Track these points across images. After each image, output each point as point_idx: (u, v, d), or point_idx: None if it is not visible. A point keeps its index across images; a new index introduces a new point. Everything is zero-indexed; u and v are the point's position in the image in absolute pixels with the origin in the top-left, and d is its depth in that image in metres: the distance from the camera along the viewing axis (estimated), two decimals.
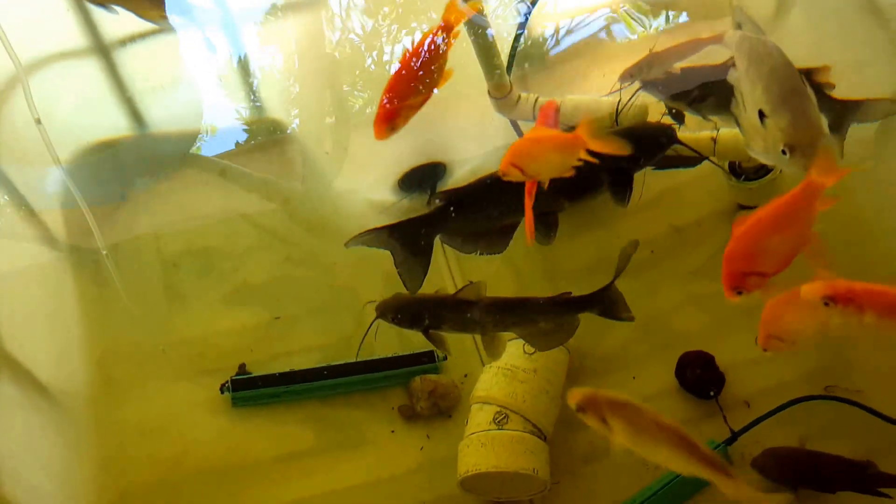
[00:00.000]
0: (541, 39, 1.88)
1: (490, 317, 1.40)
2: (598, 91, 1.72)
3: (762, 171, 1.60)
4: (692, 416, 1.56)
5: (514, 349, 1.58)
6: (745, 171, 1.63)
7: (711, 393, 1.56)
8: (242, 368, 1.72)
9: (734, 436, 1.50)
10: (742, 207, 1.68)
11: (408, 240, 1.44)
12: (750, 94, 1.16)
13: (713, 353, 1.59)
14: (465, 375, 1.66)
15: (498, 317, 1.41)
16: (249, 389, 1.69)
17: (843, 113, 1.46)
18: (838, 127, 1.46)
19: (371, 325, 1.45)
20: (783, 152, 1.08)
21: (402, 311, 1.43)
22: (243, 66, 1.92)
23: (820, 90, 1.42)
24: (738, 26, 1.34)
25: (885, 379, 1.54)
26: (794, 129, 1.09)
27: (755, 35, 1.25)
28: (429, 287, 1.47)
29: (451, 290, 1.48)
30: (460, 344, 1.66)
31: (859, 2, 1.67)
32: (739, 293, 1.19)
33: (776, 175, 1.60)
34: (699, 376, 1.57)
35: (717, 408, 1.54)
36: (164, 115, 1.90)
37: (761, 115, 1.12)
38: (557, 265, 1.77)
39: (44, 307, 1.78)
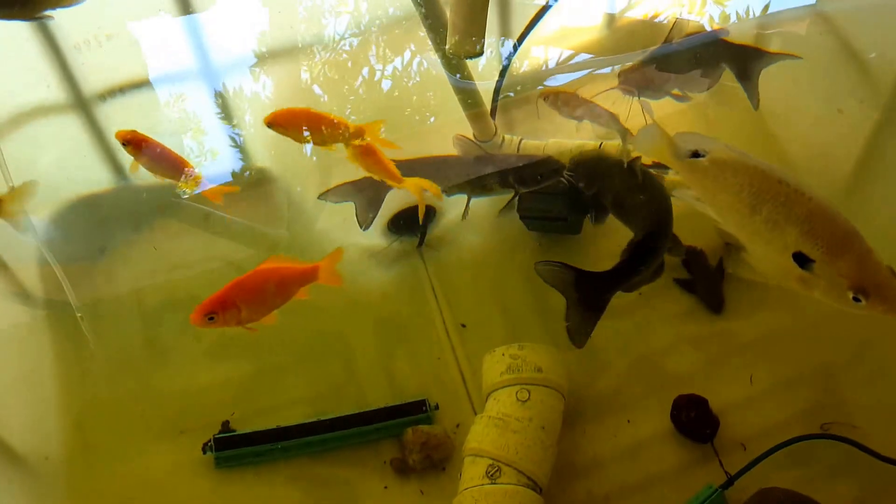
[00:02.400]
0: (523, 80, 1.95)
1: None
2: (580, 131, 1.81)
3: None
4: (689, 459, 1.59)
5: (507, 397, 1.61)
6: None
7: (707, 432, 1.60)
8: (226, 426, 1.72)
9: (730, 480, 1.53)
10: (730, 245, 1.74)
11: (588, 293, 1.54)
12: (767, 236, 1.12)
13: (707, 393, 1.63)
14: (458, 425, 1.69)
15: None
16: (233, 448, 1.67)
17: (747, 59, 1.57)
18: (748, 74, 1.56)
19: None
20: (856, 299, 1.04)
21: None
22: (226, 115, 1.98)
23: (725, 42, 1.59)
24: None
25: (880, 414, 1.59)
26: (865, 271, 1.04)
27: (749, 160, 1.20)
28: None
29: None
30: (452, 393, 1.72)
31: (834, 46, 1.76)
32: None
33: None
34: (694, 419, 1.60)
35: (713, 451, 1.58)
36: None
37: (803, 259, 1.08)
38: (549, 303, 1.80)
39: (16, 368, 1.80)
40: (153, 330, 1.86)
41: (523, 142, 1.73)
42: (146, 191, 1.95)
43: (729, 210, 1.18)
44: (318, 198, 1.65)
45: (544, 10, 1.79)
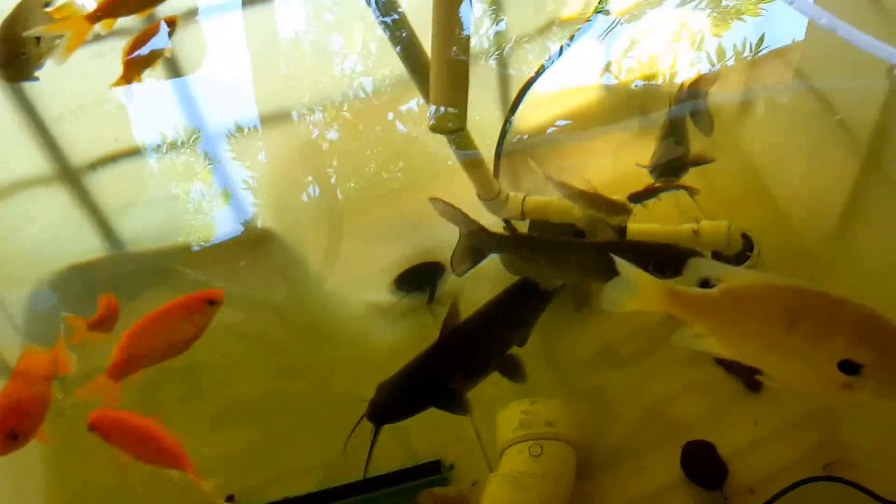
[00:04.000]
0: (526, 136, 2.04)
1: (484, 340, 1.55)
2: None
3: (742, 257, 1.78)
4: None
5: (520, 454, 1.67)
6: (726, 259, 1.79)
7: (717, 478, 1.66)
8: (231, 500, 1.73)
9: None
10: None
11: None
12: (807, 353, 1.12)
13: (714, 438, 1.71)
14: (474, 483, 1.74)
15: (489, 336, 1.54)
16: None
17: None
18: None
19: (373, 440, 1.54)
20: None
21: (391, 407, 1.52)
22: (224, 177, 2.01)
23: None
24: None
25: (881, 455, 1.66)
26: None
27: (769, 278, 1.19)
28: None
29: None
30: (468, 450, 1.77)
31: (812, 105, 1.89)
32: None
33: (756, 261, 1.78)
34: (703, 466, 1.68)
35: (723, 498, 1.66)
36: (137, 233, 1.96)
37: (850, 366, 1.10)
38: (561, 354, 1.90)
39: None
40: (150, 401, 1.87)
41: (527, 198, 1.81)
42: (141, 259, 1.98)
43: (755, 337, 1.17)
44: (429, 199, 1.64)
45: (538, 74, 1.88)
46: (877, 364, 1.10)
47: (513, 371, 1.60)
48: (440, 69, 1.61)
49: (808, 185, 1.85)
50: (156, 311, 1.61)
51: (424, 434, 1.81)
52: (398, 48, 1.76)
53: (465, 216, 1.62)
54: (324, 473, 1.75)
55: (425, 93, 1.73)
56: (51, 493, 1.75)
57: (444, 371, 1.52)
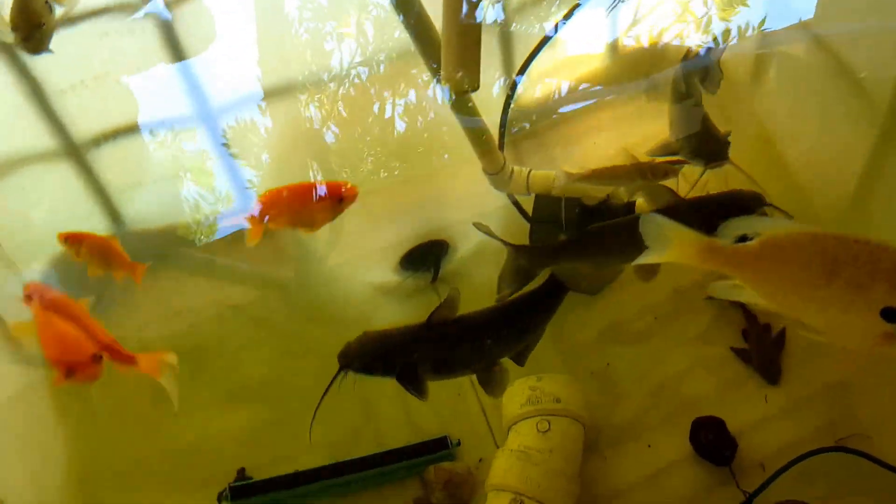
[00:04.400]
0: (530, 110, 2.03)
1: (469, 343, 1.48)
2: (588, 159, 1.88)
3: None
4: (710, 482, 1.68)
5: (527, 429, 1.69)
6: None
7: (726, 454, 1.67)
8: (242, 474, 1.76)
9: (749, 499, 1.61)
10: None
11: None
12: (848, 300, 1.10)
13: (723, 415, 1.72)
14: (480, 460, 1.76)
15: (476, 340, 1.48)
16: (250, 497, 1.70)
17: None
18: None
19: (335, 377, 1.51)
20: None
21: (364, 357, 1.49)
22: (226, 155, 2.01)
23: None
24: None
25: (893, 427, 1.66)
26: None
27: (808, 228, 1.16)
28: None
29: None
30: (473, 427, 1.79)
31: (829, 64, 1.86)
32: None
33: None
34: (712, 442, 1.69)
35: (734, 473, 1.66)
36: (143, 212, 1.97)
37: (893, 315, 1.09)
38: (566, 335, 1.90)
39: (16, 426, 1.82)
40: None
41: (532, 172, 1.80)
42: (146, 237, 1.98)
43: (795, 287, 1.16)
44: (474, 224, 1.63)
45: (544, 41, 1.86)
46: None
47: (489, 383, 1.54)
48: (452, 29, 1.61)
49: (821, 150, 1.83)
50: (298, 184, 1.73)
51: (431, 411, 1.82)
52: (404, 16, 1.74)
53: (507, 242, 1.60)
54: (331, 451, 1.76)
55: (432, 62, 1.73)
56: (70, 470, 1.78)
57: (419, 353, 1.51)
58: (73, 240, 1.78)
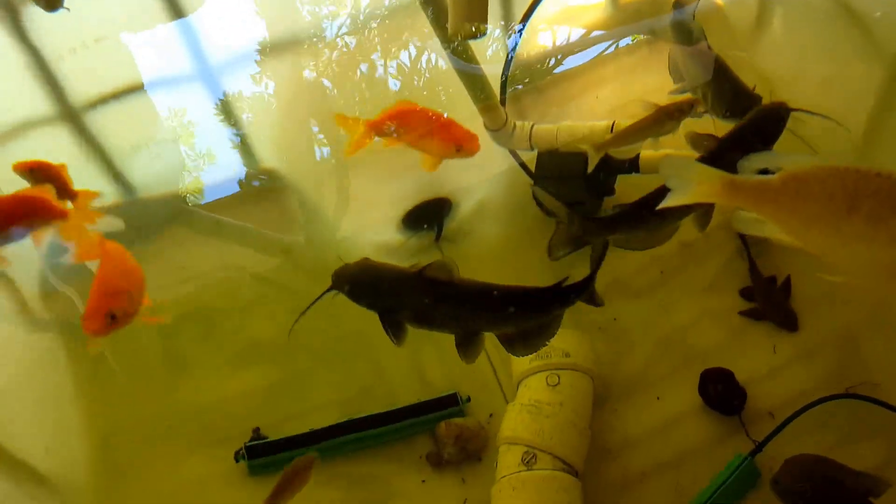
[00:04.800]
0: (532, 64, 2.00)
1: (458, 310, 1.43)
2: (591, 114, 1.87)
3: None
4: (720, 432, 1.69)
5: (537, 383, 1.70)
6: None
7: (735, 403, 1.69)
8: (257, 433, 1.78)
9: (758, 447, 1.63)
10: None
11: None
12: (871, 234, 1.09)
13: (732, 366, 1.73)
14: (491, 415, 1.78)
15: (467, 311, 1.43)
16: (266, 455, 1.73)
17: None
18: None
19: (323, 294, 1.50)
20: None
21: (355, 283, 1.47)
22: (229, 117, 2.00)
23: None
24: None
25: None
26: None
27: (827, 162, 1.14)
28: None
29: None
30: (482, 383, 1.81)
31: (834, 9, 1.83)
32: None
33: None
34: (721, 392, 1.70)
35: (743, 423, 1.68)
36: (148, 176, 1.98)
37: None
38: None
39: (35, 391, 1.84)
40: (171, 343, 1.91)
41: (535, 127, 1.79)
42: (152, 202, 1.99)
43: (816, 221, 1.14)
44: (532, 189, 1.70)
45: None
46: None
47: (462, 347, 1.47)
48: None
49: (828, 96, 1.81)
50: (420, 109, 1.67)
51: (441, 368, 1.83)
52: None
53: (564, 206, 1.55)
54: (343, 409, 1.78)
55: (436, 12, 1.70)
56: (90, 432, 1.79)
57: (406, 298, 1.47)
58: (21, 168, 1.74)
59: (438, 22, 1.80)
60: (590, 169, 1.68)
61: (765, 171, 1.17)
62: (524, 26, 1.88)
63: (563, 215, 1.51)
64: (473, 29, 1.69)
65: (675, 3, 1.76)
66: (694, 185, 1.20)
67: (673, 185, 1.22)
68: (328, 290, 1.48)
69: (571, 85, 2.05)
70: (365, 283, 1.47)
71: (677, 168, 1.22)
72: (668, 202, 1.22)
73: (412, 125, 1.63)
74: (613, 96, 1.97)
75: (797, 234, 1.17)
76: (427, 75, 2.01)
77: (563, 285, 1.42)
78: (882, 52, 1.81)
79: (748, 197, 1.19)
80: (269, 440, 1.75)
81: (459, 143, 1.62)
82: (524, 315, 1.41)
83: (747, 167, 1.19)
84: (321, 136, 2.02)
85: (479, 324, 1.42)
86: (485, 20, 1.69)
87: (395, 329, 1.44)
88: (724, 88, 1.72)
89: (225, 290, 1.93)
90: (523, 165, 1.91)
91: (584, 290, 1.44)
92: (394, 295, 1.45)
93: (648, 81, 1.94)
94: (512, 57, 1.86)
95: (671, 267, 1.85)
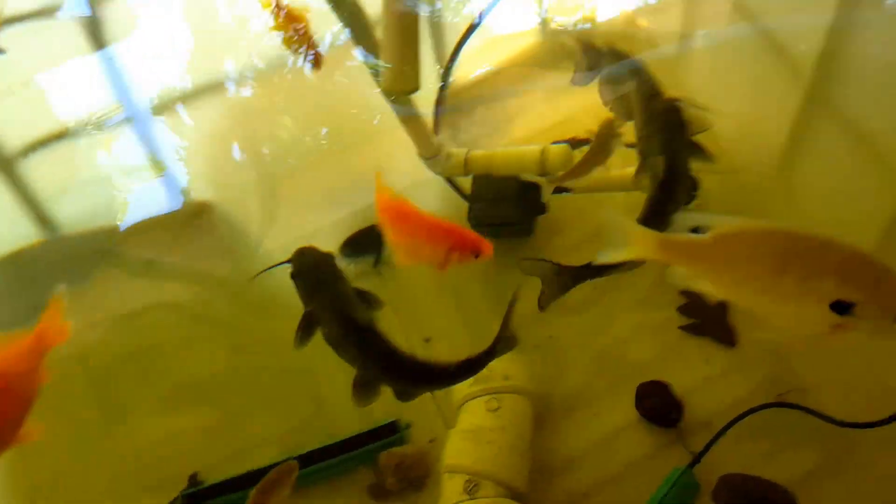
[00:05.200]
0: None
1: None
2: (526, 135, 1.89)
3: (690, 197, 1.76)
4: (659, 444, 1.70)
5: (478, 408, 1.70)
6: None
7: (673, 416, 1.70)
8: (193, 479, 1.75)
9: (696, 458, 1.65)
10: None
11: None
12: (799, 294, 1.13)
13: (668, 379, 1.74)
14: (431, 441, 1.76)
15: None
16: (203, 501, 1.69)
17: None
18: None
19: (276, 265, 1.54)
20: None
21: (305, 270, 1.50)
22: (158, 153, 1.97)
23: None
24: None
25: (832, 381, 1.70)
26: None
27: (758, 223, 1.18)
28: None
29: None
30: (423, 409, 1.78)
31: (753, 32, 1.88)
32: None
33: (699, 201, 1.78)
34: (658, 405, 1.72)
35: (681, 434, 1.70)
36: (75, 217, 1.94)
37: (842, 306, 1.12)
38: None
39: None
40: (104, 387, 1.87)
41: (470, 153, 1.80)
42: (79, 240, 1.95)
43: (747, 280, 1.18)
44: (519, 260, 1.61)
45: (472, 28, 1.86)
46: (868, 301, 1.12)
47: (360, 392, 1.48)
48: (390, 25, 1.56)
49: (751, 122, 1.86)
50: (429, 219, 1.47)
51: (381, 399, 1.73)
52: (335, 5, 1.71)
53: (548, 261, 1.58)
54: (282, 445, 1.75)
55: (367, 48, 1.69)
56: (14, 490, 1.75)
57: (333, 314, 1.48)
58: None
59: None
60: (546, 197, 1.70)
61: (697, 230, 1.21)
62: (453, 64, 1.89)
63: (549, 269, 1.54)
64: (406, 87, 1.66)
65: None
66: (629, 244, 1.26)
67: (609, 243, 1.27)
68: (283, 263, 1.52)
69: (505, 107, 2.06)
70: (305, 275, 1.49)
71: (613, 226, 1.27)
72: (606, 259, 1.28)
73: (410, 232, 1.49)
74: (547, 116, 1.98)
75: (730, 292, 1.23)
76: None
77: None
78: (801, 81, 1.86)
79: (681, 255, 1.23)
80: (205, 486, 1.71)
81: (476, 250, 1.46)
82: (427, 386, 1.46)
83: (680, 226, 1.24)
84: (251, 163, 2.01)
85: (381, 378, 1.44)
86: (416, 72, 1.65)
87: (305, 333, 1.46)
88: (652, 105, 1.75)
89: (159, 329, 1.90)
90: (458, 190, 1.91)
91: (490, 357, 1.46)
92: (327, 305, 1.45)
93: (579, 100, 1.96)
94: (446, 88, 1.88)
95: (603, 283, 1.83)
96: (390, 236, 1.46)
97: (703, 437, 1.66)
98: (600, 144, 1.71)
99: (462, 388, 1.73)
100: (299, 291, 1.49)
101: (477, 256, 1.43)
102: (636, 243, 1.25)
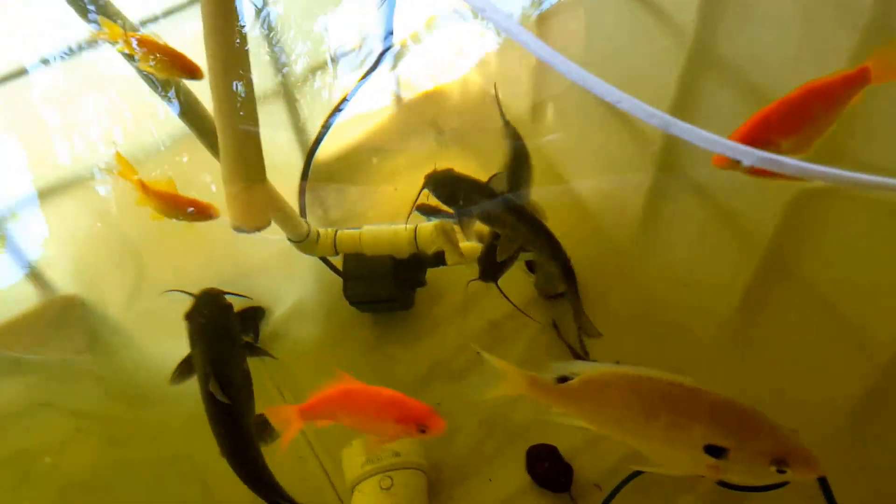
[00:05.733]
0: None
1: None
2: (390, 204, 1.86)
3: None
4: None
5: (371, 488, 1.69)
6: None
7: (563, 480, 1.72)
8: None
9: None
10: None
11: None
12: (672, 438, 1.15)
13: (554, 439, 1.76)
14: None
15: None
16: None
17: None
18: None
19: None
20: (780, 471, 1.11)
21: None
22: (15, 251, 1.88)
23: None
24: None
25: None
26: (780, 444, 1.11)
27: (624, 370, 1.21)
28: None
29: None
30: (318, 490, 1.78)
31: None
32: None
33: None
34: (548, 469, 1.74)
35: (570, 499, 1.73)
36: None
37: (715, 450, 1.13)
38: (396, 378, 1.89)
39: None
40: None
41: (339, 233, 1.76)
42: None
43: (619, 422, 1.21)
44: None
45: (336, 111, 1.83)
46: (740, 448, 1.14)
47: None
48: (227, 153, 1.40)
49: (610, 184, 1.89)
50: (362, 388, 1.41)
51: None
52: (182, 115, 1.62)
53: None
54: None
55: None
56: None
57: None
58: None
59: None
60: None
61: (565, 379, 1.24)
62: (316, 148, 1.86)
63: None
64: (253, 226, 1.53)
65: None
66: (503, 380, 1.30)
67: (484, 381, 1.32)
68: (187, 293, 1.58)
69: (369, 178, 2.05)
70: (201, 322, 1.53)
71: (488, 365, 1.32)
72: (480, 395, 1.32)
73: (358, 408, 1.42)
74: (410, 185, 1.94)
75: (605, 431, 1.25)
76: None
77: None
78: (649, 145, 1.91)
79: (550, 396, 1.26)
80: None
81: (423, 424, 1.36)
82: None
83: (550, 370, 1.26)
84: (117, 254, 1.93)
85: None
86: (262, 194, 1.52)
87: (179, 376, 1.53)
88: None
89: (35, 430, 1.81)
90: (332, 266, 1.89)
91: None
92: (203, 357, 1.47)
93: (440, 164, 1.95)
94: (308, 170, 1.85)
95: (485, 345, 1.86)
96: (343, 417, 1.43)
97: (595, 499, 1.70)
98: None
99: (354, 469, 1.72)
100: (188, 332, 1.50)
101: (423, 431, 1.35)
102: (508, 381, 1.29)
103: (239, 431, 1.51)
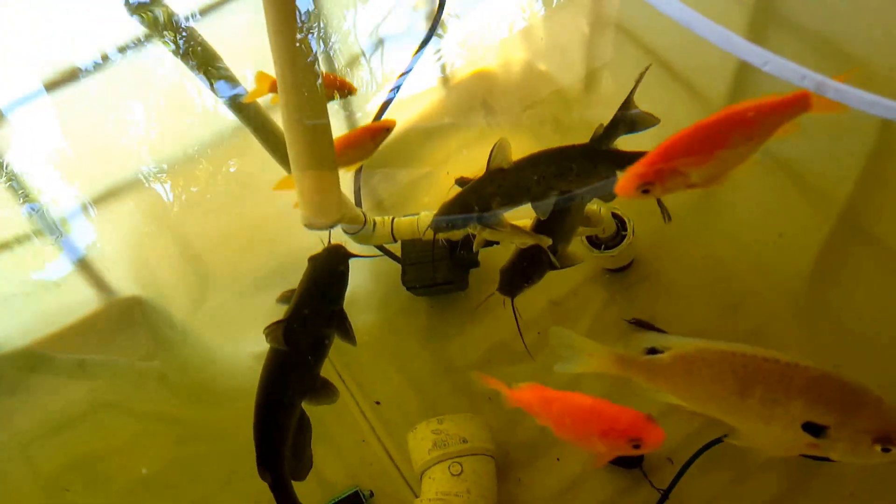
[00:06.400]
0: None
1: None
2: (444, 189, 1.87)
3: (618, 238, 1.77)
4: (623, 486, 1.70)
5: (441, 474, 1.67)
6: (603, 241, 1.78)
7: (635, 457, 1.68)
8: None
9: (664, 495, 1.65)
10: (609, 271, 1.86)
11: None
12: (768, 415, 1.09)
13: None
14: None
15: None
16: None
17: None
18: None
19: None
20: (885, 450, 1.05)
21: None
22: (78, 255, 1.91)
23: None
24: None
25: None
26: (884, 421, 1.05)
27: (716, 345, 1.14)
28: None
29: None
30: (383, 474, 1.77)
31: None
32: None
33: (631, 238, 1.76)
34: None
35: (642, 474, 1.69)
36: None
37: (814, 428, 1.07)
38: (453, 363, 1.88)
39: None
40: (59, 497, 1.80)
41: (396, 221, 1.74)
42: (9, 351, 1.86)
43: (711, 398, 1.15)
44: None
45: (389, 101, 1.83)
46: (840, 426, 1.08)
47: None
48: (297, 148, 1.31)
49: None
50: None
51: (338, 463, 1.79)
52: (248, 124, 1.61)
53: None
54: None
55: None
56: None
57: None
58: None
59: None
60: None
61: (653, 351, 1.17)
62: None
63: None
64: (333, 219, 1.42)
65: None
66: (585, 357, 1.25)
67: (565, 356, 1.27)
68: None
69: (421, 163, 2.03)
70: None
71: (567, 340, 1.26)
72: (563, 369, 1.27)
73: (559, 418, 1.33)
74: (461, 168, 1.95)
75: (696, 407, 1.19)
76: None
77: None
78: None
79: (639, 372, 1.21)
80: None
81: (636, 438, 1.25)
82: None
83: (634, 345, 1.20)
84: (180, 255, 1.96)
85: None
86: (335, 189, 1.41)
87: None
88: None
89: (102, 431, 1.83)
90: (390, 253, 1.87)
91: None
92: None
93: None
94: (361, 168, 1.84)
95: (546, 326, 1.83)
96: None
97: (668, 473, 1.66)
98: None
99: (421, 454, 1.70)
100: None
101: (637, 447, 1.24)
102: (592, 356, 1.25)
103: (283, 387, 1.46)
